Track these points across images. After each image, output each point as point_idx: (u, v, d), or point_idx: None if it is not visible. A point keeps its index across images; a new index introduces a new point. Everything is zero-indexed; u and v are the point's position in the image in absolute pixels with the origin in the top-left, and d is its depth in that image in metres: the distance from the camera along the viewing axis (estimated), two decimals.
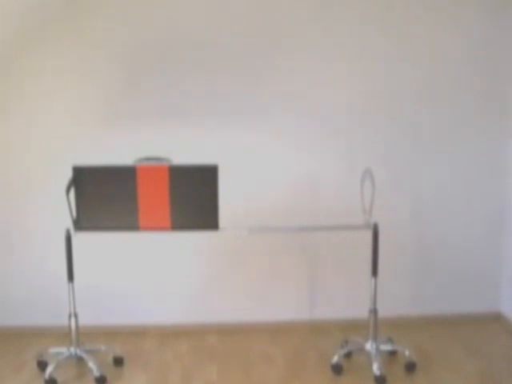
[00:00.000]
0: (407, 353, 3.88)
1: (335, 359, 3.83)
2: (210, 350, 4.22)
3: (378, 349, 3.84)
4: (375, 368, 3.68)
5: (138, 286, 4.43)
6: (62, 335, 3.91)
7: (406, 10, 4.25)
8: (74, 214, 3.63)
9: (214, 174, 3.60)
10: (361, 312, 3.98)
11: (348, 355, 3.98)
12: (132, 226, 3.65)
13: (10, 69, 4.11)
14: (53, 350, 3.88)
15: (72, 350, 3.81)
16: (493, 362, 3.97)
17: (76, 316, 3.78)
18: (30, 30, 4.04)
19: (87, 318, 3.95)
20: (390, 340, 4.04)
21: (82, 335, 3.86)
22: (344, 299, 4.50)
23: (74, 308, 3.78)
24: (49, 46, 4.11)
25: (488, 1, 4.28)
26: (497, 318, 4.57)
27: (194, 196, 3.66)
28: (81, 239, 3.78)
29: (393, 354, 4.01)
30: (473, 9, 4.28)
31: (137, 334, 4.40)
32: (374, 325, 3.85)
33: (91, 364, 3.72)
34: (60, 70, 4.15)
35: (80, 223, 3.65)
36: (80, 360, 3.88)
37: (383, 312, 3.91)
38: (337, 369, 3.81)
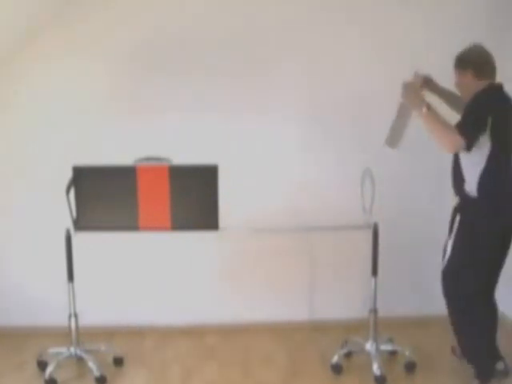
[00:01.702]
0: (407, 353, 3.88)
1: (335, 359, 3.84)
2: (210, 350, 4.22)
3: (378, 349, 3.84)
4: (375, 368, 3.69)
5: (138, 286, 4.43)
6: (62, 335, 3.89)
7: (406, 8, 4.26)
8: (74, 214, 3.63)
9: (214, 174, 3.60)
10: (361, 312, 3.98)
11: (348, 355, 3.97)
12: (132, 226, 3.65)
13: (7, 69, 4.10)
14: (53, 349, 3.87)
15: (72, 349, 3.80)
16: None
17: (76, 316, 3.78)
18: (27, 28, 4.04)
19: (87, 318, 3.94)
20: (390, 340, 4.04)
21: (83, 335, 3.86)
22: (344, 299, 4.49)
23: (74, 308, 3.78)
24: (48, 45, 4.11)
25: None
26: None
27: (194, 196, 3.67)
28: (81, 239, 3.78)
29: (393, 353, 4.01)
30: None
31: (137, 333, 4.39)
32: (374, 325, 3.85)
33: (91, 364, 3.72)
34: (59, 69, 4.16)
35: (80, 223, 3.65)
36: (80, 360, 3.87)
37: (383, 312, 3.91)
38: (337, 369, 3.82)
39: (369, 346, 3.84)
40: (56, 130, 4.21)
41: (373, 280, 3.81)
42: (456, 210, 3.55)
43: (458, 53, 3.46)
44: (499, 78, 3.43)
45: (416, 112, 3.37)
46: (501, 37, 4.26)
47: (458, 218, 3.46)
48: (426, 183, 4.45)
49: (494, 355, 3.52)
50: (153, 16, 4.15)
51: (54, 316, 4.06)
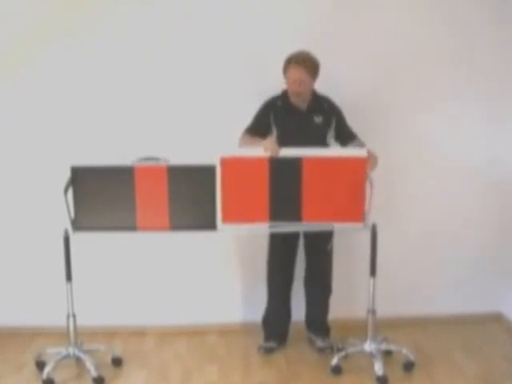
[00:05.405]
0: (404, 352, 3.87)
1: (334, 360, 3.83)
2: (210, 350, 4.22)
3: (378, 349, 3.83)
4: (377, 368, 3.67)
5: (138, 286, 4.43)
6: (63, 335, 3.88)
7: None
8: (72, 214, 3.64)
9: (213, 174, 3.61)
10: (359, 312, 3.97)
11: (347, 356, 3.94)
12: (130, 226, 3.66)
13: (6, 68, 4.11)
14: (51, 350, 3.87)
15: (70, 350, 3.80)
16: (493, 362, 3.96)
17: (74, 316, 3.78)
18: (26, 27, 4.05)
19: (87, 318, 3.94)
20: (385, 340, 4.02)
21: (82, 335, 3.86)
22: (343, 299, 4.46)
23: (72, 308, 3.78)
24: (48, 45, 4.11)
25: None
26: (497, 318, 4.55)
27: (192, 196, 3.68)
28: (80, 239, 3.77)
29: (388, 353, 3.99)
30: None
31: (136, 334, 4.39)
32: (373, 325, 3.84)
33: (88, 364, 3.71)
34: (57, 69, 4.16)
35: (78, 223, 3.66)
36: (79, 360, 3.87)
37: (382, 312, 3.90)
38: (336, 369, 3.81)
39: (367, 346, 3.83)
40: (54, 130, 4.21)
41: (371, 280, 3.80)
42: None
43: (304, 58, 3.72)
44: None
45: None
46: None
47: None
48: (425, 183, 4.43)
49: None
50: (153, 18, 4.15)
51: (54, 316, 4.06)
